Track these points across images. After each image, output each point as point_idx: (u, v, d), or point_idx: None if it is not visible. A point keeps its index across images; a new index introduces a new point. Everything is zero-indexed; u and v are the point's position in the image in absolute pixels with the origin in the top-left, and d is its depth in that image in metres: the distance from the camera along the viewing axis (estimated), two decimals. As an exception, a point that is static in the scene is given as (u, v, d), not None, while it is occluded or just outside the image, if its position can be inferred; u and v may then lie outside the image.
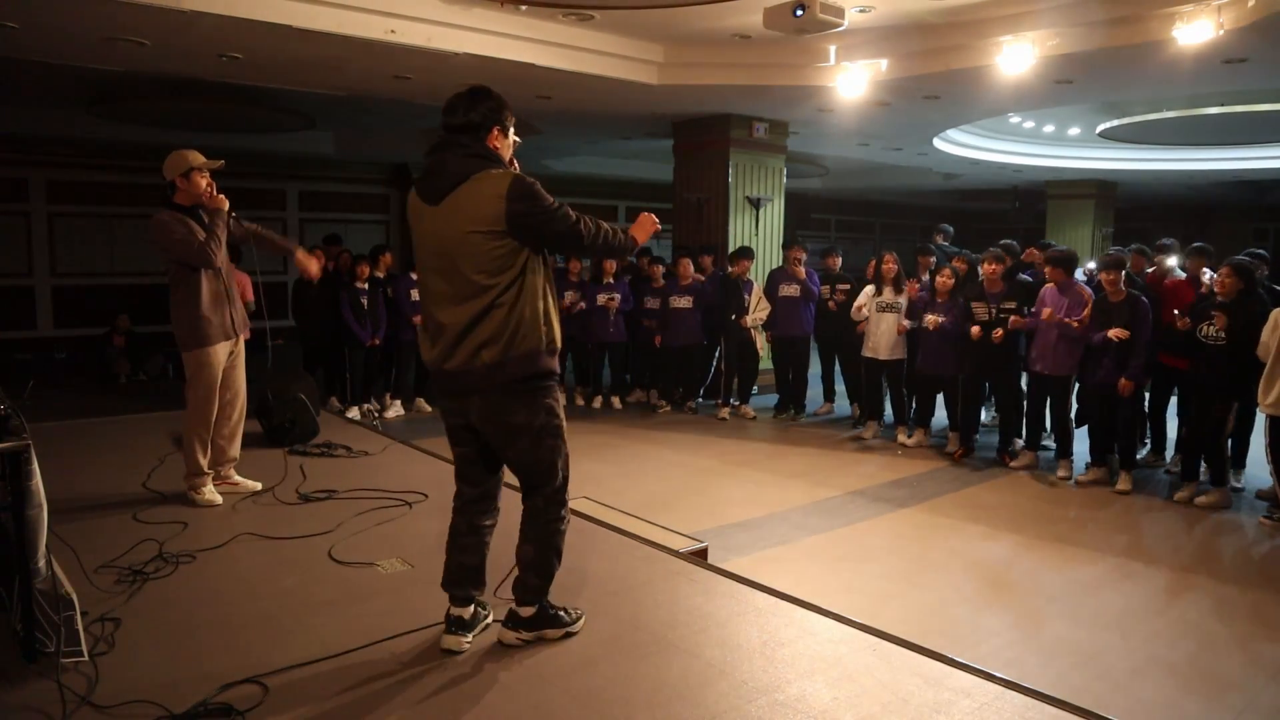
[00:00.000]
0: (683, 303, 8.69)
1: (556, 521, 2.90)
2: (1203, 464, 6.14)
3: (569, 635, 3.01)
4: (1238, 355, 5.59)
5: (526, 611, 2.93)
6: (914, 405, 7.69)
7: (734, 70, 8.00)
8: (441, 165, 2.71)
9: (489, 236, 2.63)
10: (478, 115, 2.71)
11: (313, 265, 4.75)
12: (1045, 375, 6.50)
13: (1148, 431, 7.06)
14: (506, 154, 2.81)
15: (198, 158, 4.36)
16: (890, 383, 7.78)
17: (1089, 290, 6.51)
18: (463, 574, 2.94)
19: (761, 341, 8.64)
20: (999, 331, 6.58)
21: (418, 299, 8.32)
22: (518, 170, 2.79)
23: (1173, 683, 3.55)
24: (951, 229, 10.21)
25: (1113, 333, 5.99)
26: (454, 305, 2.70)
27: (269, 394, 5.84)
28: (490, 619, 3.07)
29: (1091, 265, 8.39)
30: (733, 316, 8.51)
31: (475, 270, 2.65)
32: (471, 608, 2.98)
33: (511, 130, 2.83)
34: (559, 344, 2.82)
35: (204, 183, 4.34)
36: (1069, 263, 6.55)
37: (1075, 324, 6.21)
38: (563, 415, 2.87)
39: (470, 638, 2.95)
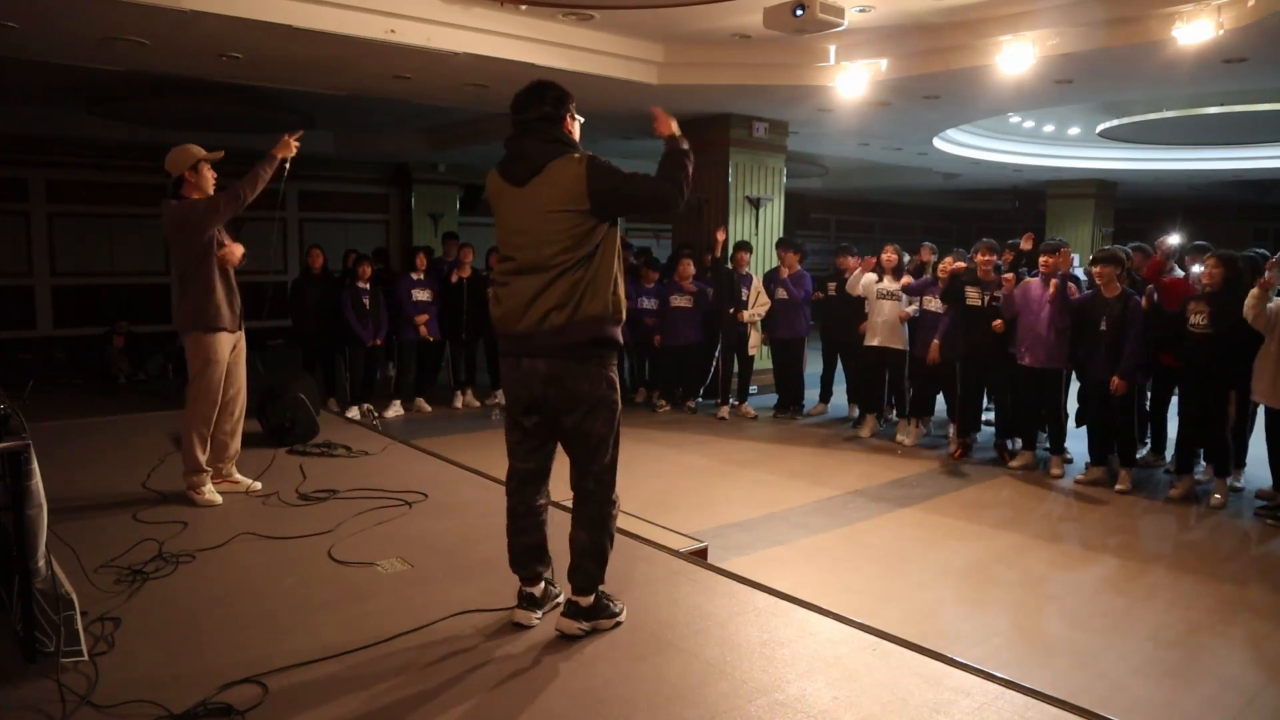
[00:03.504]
0: (682, 302, 8.70)
1: (608, 505, 3.01)
2: (1202, 460, 6.16)
3: (618, 625, 3.11)
4: (1224, 344, 5.62)
5: (586, 601, 3.03)
6: (911, 395, 7.73)
7: (734, 70, 7.99)
8: (522, 151, 2.89)
9: (571, 215, 2.80)
10: (549, 106, 2.90)
11: (290, 145, 4.50)
12: (1033, 369, 6.51)
13: (1148, 431, 7.06)
14: (576, 137, 2.99)
15: (200, 150, 4.41)
16: (891, 374, 7.79)
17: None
18: (528, 554, 3.08)
19: (756, 339, 8.63)
20: (999, 322, 6.61)
21: (418, 299, 8.45)
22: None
23: (1173, 683, 3.56)
24: None
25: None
26: (530, 275, 2.84)
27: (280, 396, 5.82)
28: (561, 597, 3.15)
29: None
30: (731, 311, 8.51)
31: (555, 246, 2.80)
32: (542, 585, 3.13)
33: (577, 115, 3.01)
34: (623, 315, 2.93)
35: (211, 175, 4.44)
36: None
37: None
38: (619, 392, 2.98)
39: (540, 614, 3.11)
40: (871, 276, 7.79)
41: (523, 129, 2.91)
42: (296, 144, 4.51)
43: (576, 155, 2.86)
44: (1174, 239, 7.03)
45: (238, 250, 4.52)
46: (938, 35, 7.08)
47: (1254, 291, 5.42)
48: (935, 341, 7.10)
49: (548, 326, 2.82)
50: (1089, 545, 5.18)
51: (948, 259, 7.19)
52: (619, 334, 2.93)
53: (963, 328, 6.91)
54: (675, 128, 3.00)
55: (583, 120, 3.05)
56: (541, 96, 2.91)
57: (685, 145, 2.96)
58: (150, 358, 10.45)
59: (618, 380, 2.97)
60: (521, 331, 2.87)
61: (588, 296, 2.82)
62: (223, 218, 4.39)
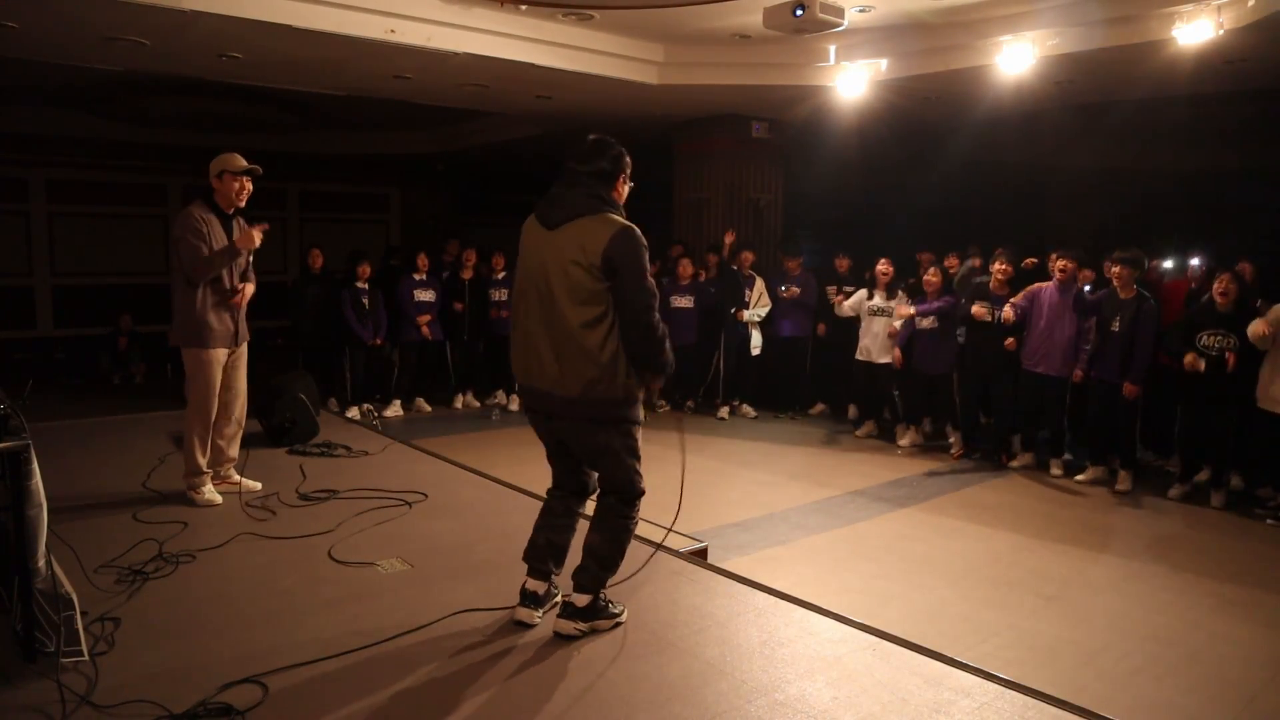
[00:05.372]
0: (683, 302, 8.70)
1: (626, 519, 3.07)
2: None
3: (618, 625, 3.13)
4: (1240, 366, 5.63)
5: (582, 600, 3.05)
6: (903, 403, 7.73)
7: (734, 70, 7.99)
8: (563, 197, 2.93)
9: (588, 270, 2.82)
10: (606, 163, 2.95)
11: (254, 234, 4.49)
12: (1045, 376, 6.51)
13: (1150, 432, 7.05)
14: (622, 199, 3.03)
15: (235, 162, 4.39)
16: (884, 384, 7.78)
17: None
18: (550, 550, 3.14)
19: (757, 339, 8.63)
20: (1011, 341, 6.59)
21: (420, 299, 8.44)
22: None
23: (1173, 682, 3.55)
24: None
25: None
26: (547, 328, 2.90)
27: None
28: (560, 598, 3.18)
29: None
30: (732, 310, 8.51)
31: (567, 298, 2.84)
32: (546, 585, 3.17)
33: (630, 179, 3.05)
34: (637, 394, 2.97)
35: (235, 185, 4.38)
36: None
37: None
38: (637, 442, 3.04)
39: (541, 613, 3.14)
40: (861, 294, 7.76)
41: (573, 179, 2.94)
42: (260, 236, 4.47)
43: (614, 216, 2.89)
44: (1168, 264, 7.08)
45: (248, 290, 4.52)
46: (938, 35, 7.08)
47: (1263, 326, 5.42)
48: (898, 350, 7.17)
49: (561, 394, 2.88)
50: (1089, 545, 5.18)
51: (933, 270, 7.18)
52: (635, 412, 2.97)
53: (970, 346, 6.89)
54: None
55: (634, 185, 3.07)
56: (602, 153, 2.95)
57: (666, 373, 3.01)
58: (153, 357, 10.44)
59: (638, 429, 3.02)
60: (543, 390, 2.94)
61: (605, 378, 2.85)
62: (181, 263, 4.33)
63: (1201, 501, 5.96)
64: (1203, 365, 5.68)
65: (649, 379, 3.00)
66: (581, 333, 2.83)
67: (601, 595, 3.11)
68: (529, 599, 3.16)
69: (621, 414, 2.93)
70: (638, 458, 3.04)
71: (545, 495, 3.25)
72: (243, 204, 4.45)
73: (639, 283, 2.85)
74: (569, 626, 3.05)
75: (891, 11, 6.62)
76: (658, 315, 2.91)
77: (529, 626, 3.10)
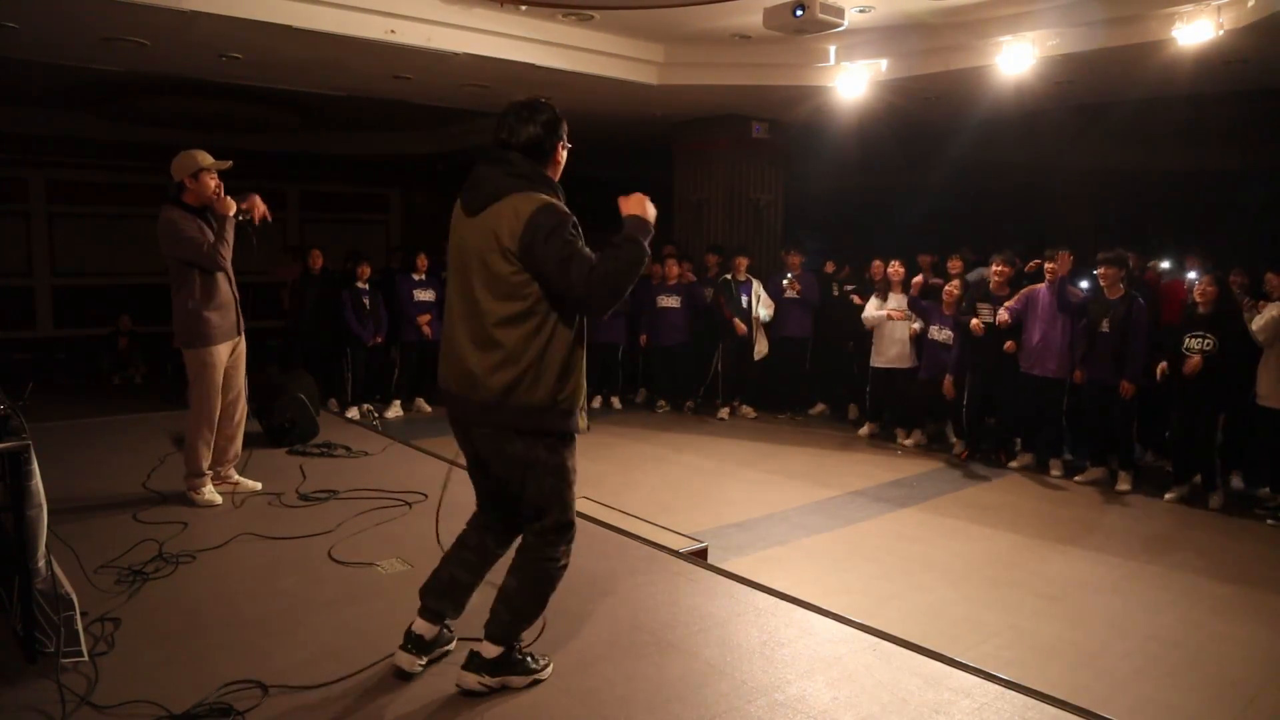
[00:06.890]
0: (670, 302, 8.69)
1: (548, 561, 2.62)
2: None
3: (536, 683, 2.72)
4: (1220, 363, 5.67)
5: (491, 651, 2.64)
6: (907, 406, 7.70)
7: (734, 70, 8.00)
8: (484, 177, 2.56)
9: (503, 257, 2.44)
10: (535, 130, 2.54)
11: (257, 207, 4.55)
12: (1042, 378, 6.51)
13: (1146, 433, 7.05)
14: (558, 171, 2.64)
15: (206, 158, 4.38)
16: (899, 391, 7.66)
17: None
18: (448, 586, 2.73)
19: (763, 342, 8.62)
20: (1010, 344, 6.58)
21: (420, 299, 8.44)
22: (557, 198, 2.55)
23: (1173, 683, 3.55)
24: None
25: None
26: (462, 324, 2.55)
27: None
28: (452, 647, 2.87)
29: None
30: (730, 314, 8.49)
31: (484, 291, 2.48)
32: (438, 629, 2.78)
33: (568, 142, 2.65)
34: (575, 404, 2.56)
35: (213, 183, 4.37)
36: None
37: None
38: (569, 460, 2.59)
39: (424, 661, 2.76)
40: (874, 303, 7.65)
41: (497, 155, 2.57)
42: (250, 210, 4.52)
43: (535, 194, 2.48)
44: (1165, 265, 7.09)
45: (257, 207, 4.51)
46: (938, 35, 7.08)
47: (1273, 314, 5.42)
48: (949, 378, 6.97)
49: (476, 399, 2.51)
50: (1089, 545, 5.18)
51: (955, 281, 7.15)
52: (567, 423, 2.55)
53: (970, 350, 6.88)
54: (648, 209, 2.57)
55: (570, 146, 2.67)
56: (528, 119, 2.55)
57: (645, 238, 2.52)
58: (153, 357, 10.45)
59: (566, 451, 2.58)
60: (460, 395, 2.56)
61: (526, 381, 2.46)
62: (196, 262, 4.33)
63: (1201, 502, 5.95)
64: (1190, 366, 5.73)
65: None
66: (500, 330, 2.45)
67: (518, 647, 2.71)
68: (413, 643, 2.73)
69: (546, 425, 2.50)
70: (568, 482, 2.58)
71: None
72: (220, 203, 4.39)
73: (564, 251, 2.39)
74: (472, 680, 2.63)
75: (891, 12, 6.62)
76: (592, 276, 2.40)
77: (409, 675, 2.72)
